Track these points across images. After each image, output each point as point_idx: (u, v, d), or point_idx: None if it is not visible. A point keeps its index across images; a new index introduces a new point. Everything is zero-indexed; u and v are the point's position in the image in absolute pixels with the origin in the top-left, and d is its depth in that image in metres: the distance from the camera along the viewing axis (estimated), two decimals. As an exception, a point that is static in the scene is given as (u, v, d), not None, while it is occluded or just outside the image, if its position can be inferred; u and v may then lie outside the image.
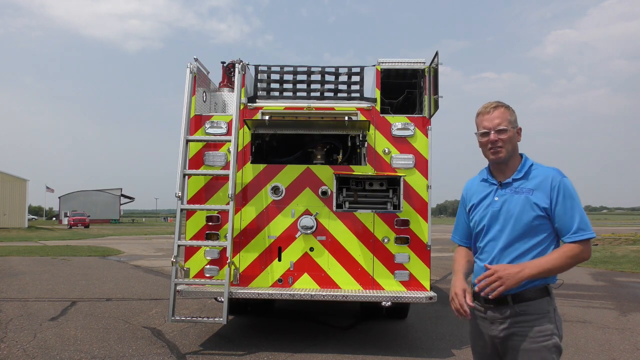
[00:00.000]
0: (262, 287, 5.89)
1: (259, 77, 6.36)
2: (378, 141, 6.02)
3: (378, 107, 6.11)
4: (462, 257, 2.76)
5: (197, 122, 6.13)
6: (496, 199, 2.57)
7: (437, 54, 5.80)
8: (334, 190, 5.91)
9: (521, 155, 2.60)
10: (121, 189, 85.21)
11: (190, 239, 6.01)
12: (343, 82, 6.30)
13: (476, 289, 2.43)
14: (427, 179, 5.95)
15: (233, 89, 6.42)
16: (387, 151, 6.00)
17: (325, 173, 6.03)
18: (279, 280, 5.93)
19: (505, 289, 2.33)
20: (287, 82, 6.37)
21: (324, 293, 5.60)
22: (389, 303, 5.75)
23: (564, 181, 2.45)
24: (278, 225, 5.99)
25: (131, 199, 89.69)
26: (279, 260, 5.95)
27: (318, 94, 6.31)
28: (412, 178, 5.94)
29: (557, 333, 2.40)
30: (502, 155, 2.52)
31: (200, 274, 5.96)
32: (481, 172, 2.73)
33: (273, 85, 6.42)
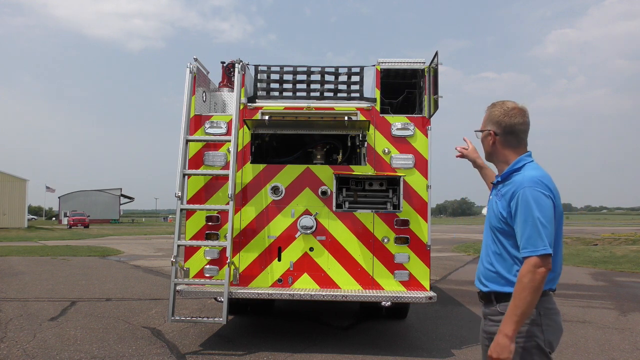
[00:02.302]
0: (262, 287, 5.89)
1: (258, 77, 6.36)
2: (378, 141, 6.02)
3: (378, 107, 6.11)
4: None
5: (197, 122, 6.13)
6: (490, 197, 2.64)
7: (436, 54, 5.81)
8: (334, 190, 5.91)
9: (521, 156, 2.50)
10: (121, 189, 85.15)
11: (190, 239, 6.00)
12: (343, 82, 6.31)
13: None
14: (427, 179, 5.95)
15: (233, 89, 6.42)
16: (386, 151, 6.00)
17: (325, 173, 6.03)
18: (279, 280, 5.93)
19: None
20: (287, 82, 6.37)
21: (323, 293, 5.60)
22: (389, 303, 5.75)
23: (524, 192, 2.30)
24: (278, 225, 5.99)
25: (131, 199, 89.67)
26: (279, 260, 5.95)
27: (318, 94, 6.32)
28: (412, 178, 5.94)
29: (541, 337, 2.31)
30: (485, 157, 2.67)
31: (200, 274, 5.96)
32: None
33: (273, 85, 6.42)
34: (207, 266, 5.97)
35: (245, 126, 6.11)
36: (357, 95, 6.26)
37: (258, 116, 6.19)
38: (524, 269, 2.26)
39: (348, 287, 5.86)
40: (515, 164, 2.46)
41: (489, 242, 2.53)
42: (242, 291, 5.72)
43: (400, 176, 5.82)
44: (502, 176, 2.49)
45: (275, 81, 6.41)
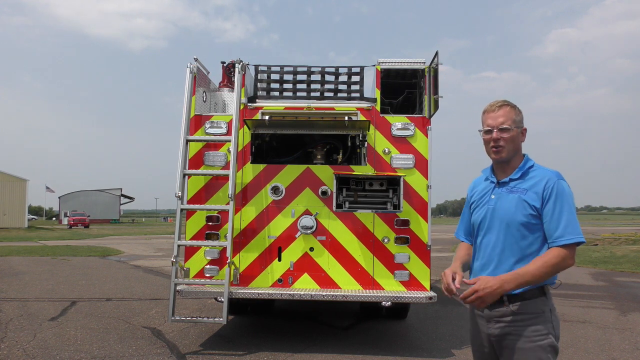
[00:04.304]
0: (262, 287, 5.89)
1: (259, 77, 6.36)
2: (378, 141, 6.02)
3: (378, 107, 6.11)
4: (463, 250, 2.82)
5: (197, 122, 6.14)
6: (493, 197, 2.61)
7: (437, 53, 5.81)
8: (334, 190, 5.91)
9: (524, 155, 2.61)
10: (121, 189, 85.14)
11: (190, 239, 6.01)
12: (343, 82, 6.31)
13: (464, 301, 2.41)
14: (427, 179, 5.95)
15: (233, 89, 6.42)
16: (387, 151, 6.00)
17: (325, 173, 6.03)
18: (279, 280, 5.93)
19: (486, 305, 2.40)
20: (287, 82, 6.37)
21: (324, 293, 5.60)
22: (389, 303, 5.76)
23: (559, 183, 2.44)
24: (278, 225, 5.99)
25: (131, 199, 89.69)
26: (279, 260, 5.95)
27: (318, 94, 6.32)
28: (412, 178, 5.94)
29: (553, 333, 2.41)
30: (504, 155, 2.55)
31: (200, 274, 5.96)
32: (484, 171, 2.77)
33: (273, 85, 6.42)
34: (207, 266, 5.97)
35: (245, 126, 6.12)
36: (357, 95, 6.26)
37: (258, 116, 6.20)
38: (559, 253, 2.35)
39: (348, 287, 5.86)
40: (526, 162, 2.57)
41: (502, 241, 2.51)
42: (242, 291, 5.72)
43: (400, 176, 5.82)
44: (520, 173, 2.54)
45: (275, 81, 6.41)
